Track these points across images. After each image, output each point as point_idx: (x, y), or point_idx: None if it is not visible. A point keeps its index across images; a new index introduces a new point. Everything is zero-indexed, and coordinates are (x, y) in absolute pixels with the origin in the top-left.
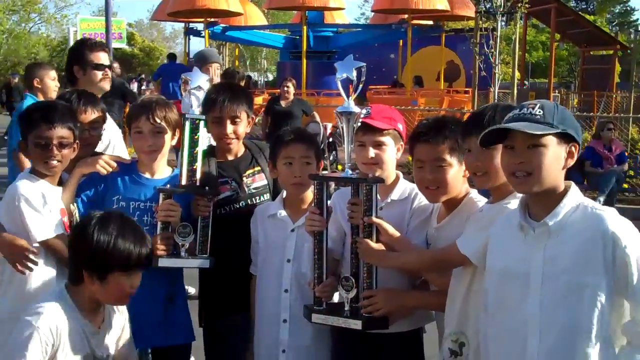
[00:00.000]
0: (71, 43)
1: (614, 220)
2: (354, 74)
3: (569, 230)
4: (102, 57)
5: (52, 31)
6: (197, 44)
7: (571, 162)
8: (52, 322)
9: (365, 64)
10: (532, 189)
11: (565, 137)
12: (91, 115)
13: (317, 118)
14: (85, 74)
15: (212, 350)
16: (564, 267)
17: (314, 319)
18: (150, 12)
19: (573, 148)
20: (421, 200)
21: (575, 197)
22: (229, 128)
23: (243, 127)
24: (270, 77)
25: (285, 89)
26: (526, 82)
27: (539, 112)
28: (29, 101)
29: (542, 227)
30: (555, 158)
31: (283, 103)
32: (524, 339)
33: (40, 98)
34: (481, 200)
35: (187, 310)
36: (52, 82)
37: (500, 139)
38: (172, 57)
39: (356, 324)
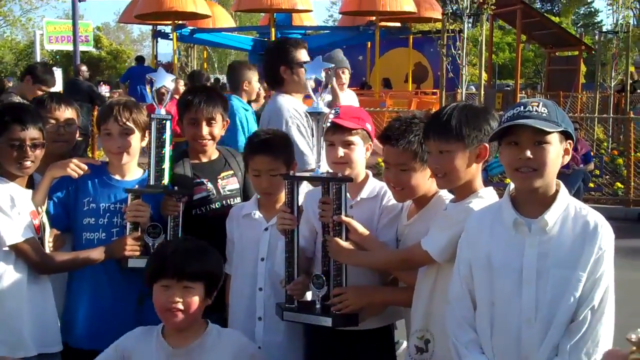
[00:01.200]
0: (37, 46)
1: (599, 219)
2: (323, 75)
3: (560, 228)
4: (305, 55)
5: (17, 34)
6: (165, 47)
7: (567, 159)
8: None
9: (333, 65)
10: (535, 185)
11: (563, 135)
12: (65, 112)
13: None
14: (293, 73)
15: None
16: (556, 262)
17: (285, 317)
18: (117, 15)
19: (568, 145)
20: (390, 198)
21: (565, 197)
22: (205, 130)
23: (218, 129)
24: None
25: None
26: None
27: (544, 110)
28: (236, 103)
29: (539, 224)
30: (557, 155)
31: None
32: (519, 331)
33: (245, 99)
34: (449, 198)
35: None
36: (256, 85)
37: (501, 135)
38: (140, 59)
39: (326, 321)
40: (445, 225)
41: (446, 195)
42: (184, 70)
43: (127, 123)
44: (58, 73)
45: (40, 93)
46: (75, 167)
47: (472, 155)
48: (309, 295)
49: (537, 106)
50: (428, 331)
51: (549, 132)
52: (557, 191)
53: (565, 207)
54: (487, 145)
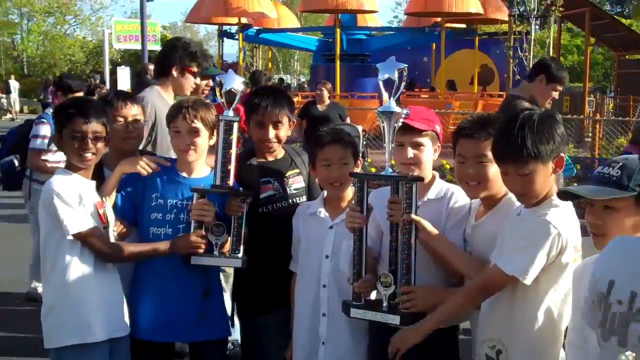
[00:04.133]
0: (106, 45)
1: None
2: (396, 74)
3: None
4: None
5: (87, 33)
6: (230, 47)
7: None
8: None
9: (407, 65)
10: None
11: None
12: (131, 109)
13: (348, 121)
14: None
15: (250, 346)
16: None
17: (352, 314)
18: (184, 15)
19: None
20: (457, 200)
21: None
22: (271, 133)
23: (284, 132)
24: (303, 79)
25: (319, 92)
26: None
27: (616, 172)
28: None
29: None
30: (632, 221)
31: (319, 107)
32: None
33: None
34: (518, 202)
35: (223, 306)
36: None
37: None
38: None
39: (394, 319)
40: (523, 244)
41: (514, 199)
42: (249, 70)
43: (196, 122)
44: (126, 71)
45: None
46: (145, 165)
47: (549, 169)
48: (373, 294)
49: (614, 168)
50: (500, 342)
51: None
52: None
53: None
54: (563, 155)
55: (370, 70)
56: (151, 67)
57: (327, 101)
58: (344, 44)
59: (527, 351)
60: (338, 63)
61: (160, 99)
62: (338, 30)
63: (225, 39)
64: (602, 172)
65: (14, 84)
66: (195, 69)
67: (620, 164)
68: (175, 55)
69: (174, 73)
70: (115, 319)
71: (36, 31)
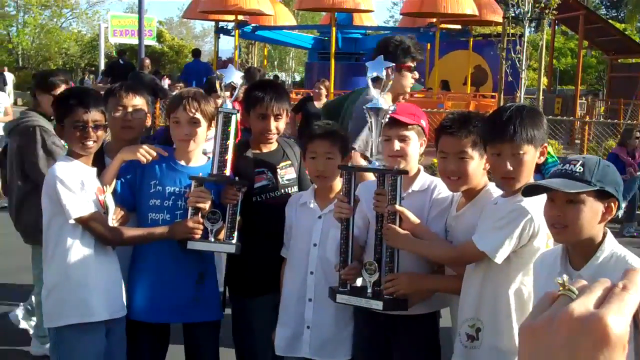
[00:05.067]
0: (102, 39)
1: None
2: (384, 73)
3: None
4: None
5: (82, 27)
6: (226, 43)
7: (609, 217)
8: None
9: (394, 64)
10: (568, 241)
11: (604, 193)
12: (133, 100)
13: None
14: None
15: (241, 328)
16: None
17: (338, 299)
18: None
19: (612, 204)
20: (440, 191)
21: (610, 246)
22: (272, 124)
23: (283, 124)
24: (298, 77)
25: (317, 91)
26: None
27: (579, 169)
28: None
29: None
30: (592, 213)
31: (317, 104)
32: None
33: None
34: (496, 192)
35: (217, 289)
36: None
37: (542, 190)
38: (196, 54)
39: (377, 305)
40: (498, 225)
41: (493, 190)
42: (244, 66)
43: (195, 113)
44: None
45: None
46: (145, 153)
47: (536, 156)
48: (358, 282)
49: (575, 165)
50: (479, 320)
51: (579, 193)
52: (600, 243)
53: (609, 258)
54: (546, 145)
55: (365, 69)
56: (147, 61)
57: (325, 99)
58: (339, 42)
59: (501, 329)
60: (333, 61)
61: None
62: (334, 28)
63: (221, 35)
64: (564, 169)
65: (9, 77)
66: (411, 64)
67: (581, 161)
68: (389, 54)
69: (390, 73)
70: (114, 300)
71: (32, 24)
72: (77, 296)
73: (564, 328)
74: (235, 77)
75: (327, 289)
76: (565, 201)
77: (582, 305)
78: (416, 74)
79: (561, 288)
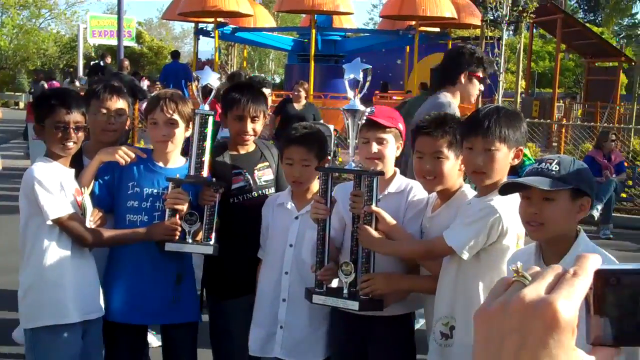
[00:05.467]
0: (81, 40)
1: None
2: (361, 75)
3: None
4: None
5: (61, 28)
6: (206, 45)
7: (583, 215)
8: None
9: (371, 66)
10: (543, 238)
11: (578, 192)
12: (116, 102)
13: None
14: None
15: (217, 330)
16: None
17: (314, 300)
18: (159, 12)
19: (586, 202)
20: (415, 194)
21: (583, 244)
22: (249, 126)
23: (260, 125)
24: (277, 79)
25: (297, 93)
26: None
27: (555, 167)
28: None
29: None
30: (567, 211)
31: (296, 106)
32: None
33: None
34: (471, 194)
35: (195, 291)
36: None
37: (519, 187)
38: (175, 55)
39: (353, 305)
40: (467, 221)
41: (468, 191)
42: (224, 68)
43: (173, 114)
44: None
45: None
46: (124, 154)
47: (509, 157)
48: (334, 283)
49: (551, 164)
50: (453, 317)
51: (555, 191)
52: (573, 240)
53: None
54: (522, 149)
55: (344, 71)
56: (127, 62)
57: (304, 101)
58: (319, 44)
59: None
60: (312, 63)
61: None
62: (313, 30)
63: (201, 36)
64: (540, 168)
65: None
66: (481, 75)
67: (557, 160)
68: (463, 62)
69: (462, 79)
70: (90, 302)
71: (10, 24)
72: (53, 298)
73: (515, 313)
74: (212, 78)
75: (301, 290)
76: (541, 199)
77: (534, 291)
78: (482, 86)
79: (515, 275)
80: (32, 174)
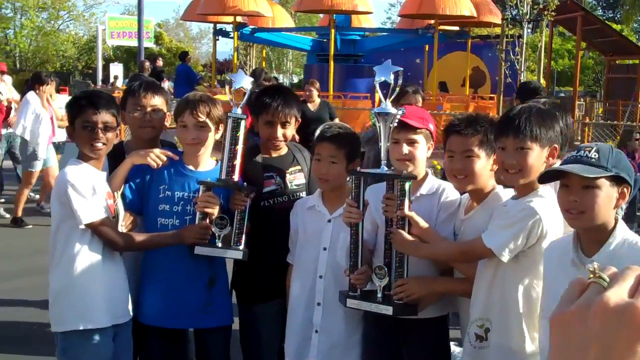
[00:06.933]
0: (99, 41)
1: None
2: (392, 77)
3: (615, 265)
4: None
5: (80, 29)
6: (224, 45)
7: (622, 203)
8: None
9: (402, 68)
10: (584, 226)
11: (618, 179)
12: (152, 99)
13: (337, 121)
14: None
15: (247, 334)
16: None
17: (348, 304)
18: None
19: (625, 189)
20: (448, 195)
21: (622, 233)
22: (279, 132)
23: (291, 131)
24: (296, 79)
25: (308, 93)
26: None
27: (595, 155)
28: None
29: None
30: (607, 198)
31: (311, 106)
32: None
33: None
34: (506, 195)
35: (228, 294)
36: None
37: (558, 175)
38: (183, 57)
39: (387, 310)
40: (506, 223)
41: (502, 192)
42: (242, 68)
43: (202, 117)
44: (119, 68)
45: None
46: (155, 158)
47: (543, 155)
48: (368, 285)
49: (590, 151)
50: (488, 320)
51: (596, 178)
52: (612, 230)
53: (621, 245)
54: (557, 147)
55: (364, 71)
56: (147, 64)
57: (317, 100)
58: (338, 44)
59: (510, 329)
60: (332, 63)
61: None
62: (332, 30)
63: (219, 37)
64: (579, 155)
65: (8, 79)
66: None
67: (595, 148)
68: None
69: None
70: (118, 306)
71: (29, 26)
72: (83, 302)
73: (598, 318)
74: (245, 82)
75: (336, 293)
76: (581, 187)
77: (617, 295)
78: None
79: (591, 275)
80: (65, 177)
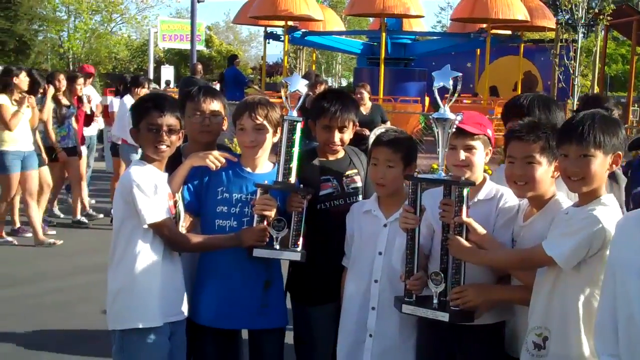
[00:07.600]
0: (152, 44)
1: None
2: (450, 82)
3: None
4: None
5: (132, 32)
6: (273, 48)
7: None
8: None
9: (461, 74)
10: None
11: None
12: (210, 104)
13: (389, 124)
14: None
15: (302, 336)
16: None
17: (404, 309)
18: (226, 15)
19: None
20: (506, 200)
21: None
22: (337, 136)
23: (348, 135)
24: (344, 82)
25: (359, 96)
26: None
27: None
28: None
29: None
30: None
31: (363, 110)
32: None
33: None
34: (566, 203)
35: (283, 296)
36: None
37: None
38: (232, 60)
39: (443, 316)
40: (568, 232)
41: (562, 200)
42: (292, 72)
43: (260, 120)
44: (170, 70)
45: None
46: (214, 160)
47: (607, 163)
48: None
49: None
50: (547, 328)
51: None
52: None
53: None
54: (621, 154)
55: (414, 75)
56: (199, 67)
57: (369, 103)
58: (388, 47)
59: (569, 338)
60: (382, 67)
61: None
62: (384, 34)
63: (270, 40)
64: None
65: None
66: None
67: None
68: None
69: None
70: (175, 305)
71: (82, 29)
72: (142, 301)
73: None
74: (300, 85)
75: (391, 298)
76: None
77: None
78: None
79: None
80: (131, 177)
